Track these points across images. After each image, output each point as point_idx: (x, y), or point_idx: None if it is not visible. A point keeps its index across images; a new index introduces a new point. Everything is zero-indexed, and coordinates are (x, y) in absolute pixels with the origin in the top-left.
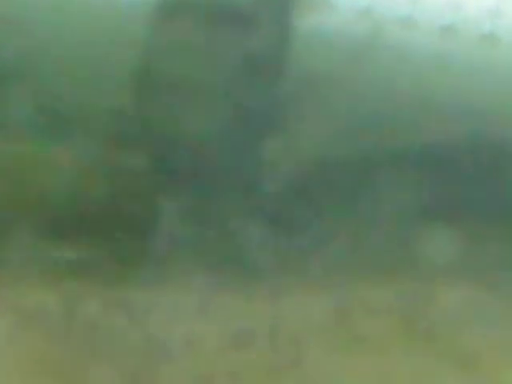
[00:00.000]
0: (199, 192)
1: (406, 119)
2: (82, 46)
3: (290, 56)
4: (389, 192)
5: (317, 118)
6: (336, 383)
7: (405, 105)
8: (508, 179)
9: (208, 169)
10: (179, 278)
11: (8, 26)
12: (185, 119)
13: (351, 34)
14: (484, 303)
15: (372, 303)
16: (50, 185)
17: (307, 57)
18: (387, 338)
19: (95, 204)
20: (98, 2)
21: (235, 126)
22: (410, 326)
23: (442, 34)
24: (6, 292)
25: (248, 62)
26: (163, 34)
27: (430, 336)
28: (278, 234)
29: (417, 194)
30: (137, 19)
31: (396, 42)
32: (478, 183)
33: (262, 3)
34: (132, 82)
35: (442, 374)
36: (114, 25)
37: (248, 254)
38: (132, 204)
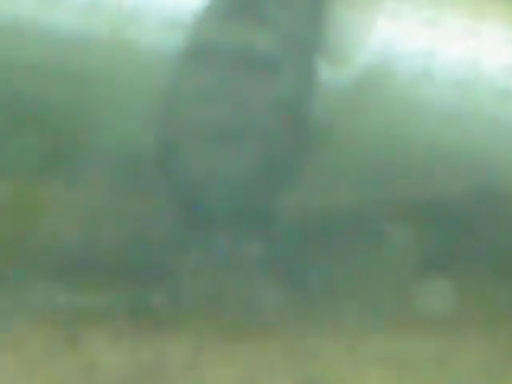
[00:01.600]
0: (214, 238)
1: (416, 171)
2: (104, 93)
3: (311, 104)
4: (391, 243)
5: (332, 168)
6: None
7: (415, 157)
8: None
9: (227, 214)
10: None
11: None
12: (208, 165)
13: (366, 87)
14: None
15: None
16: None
17: (323, 107)
18: None
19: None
20: (120, 49)
21: (257, 172)
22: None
23: (457, 88)
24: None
25: (272, 108)
26: (187, 80)
27: None
28: (280, 283)
29: (419, 246)
30: (160, 66)
31: (410, 95)
32: (480, 235)
33: (287, 49)
34: (156, 129)
35: None
36: (136, 71)
37: (248, 303)
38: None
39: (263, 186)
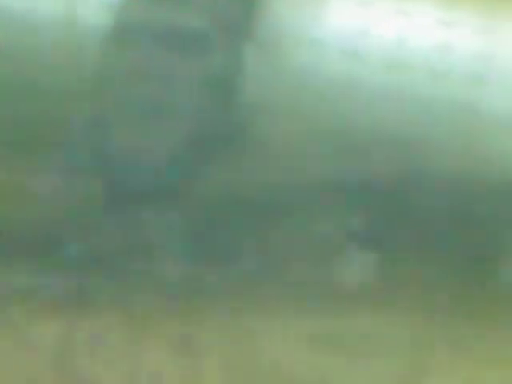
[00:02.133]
0: (145, 212)
1: (346, 149)
2: (33, 72)
3: (242, 82)
4: (321, 220)
5: (256, 145)
6: None
7: (347, 134)
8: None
9: (157, 189)
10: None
11: None
12: (135, 142)
13: (299, 65)
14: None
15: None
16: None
17: (254, 84)
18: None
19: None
20: (56, 28)
21: (189, 148)
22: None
23: (388, 68)
24: None
25: (203, 85)
26: (117, 58)
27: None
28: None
29: (350, 223)
30: (92, 44)
31: (342, 74)
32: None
33: (215, 30)
34: (86, 108)
35: None
36: (69, 49)
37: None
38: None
39: (189, 161)
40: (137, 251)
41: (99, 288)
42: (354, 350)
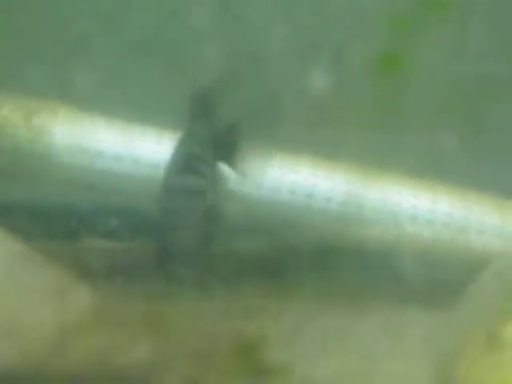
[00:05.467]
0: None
1: None
2: None
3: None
4: None
5: None
6: None
7: None
8: None
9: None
10: None
11: None
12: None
13: None
14: None
15: None
16: None
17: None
18: None
19: None
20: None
21: (197, 233)
22: None
23: None
24: None
25: (205, 208)
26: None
27: None
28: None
29: None
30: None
31: None
32: None
33: (212, 183)
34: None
35: None
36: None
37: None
38: None
39: (200, 239)
40: None
41: None
42: None
